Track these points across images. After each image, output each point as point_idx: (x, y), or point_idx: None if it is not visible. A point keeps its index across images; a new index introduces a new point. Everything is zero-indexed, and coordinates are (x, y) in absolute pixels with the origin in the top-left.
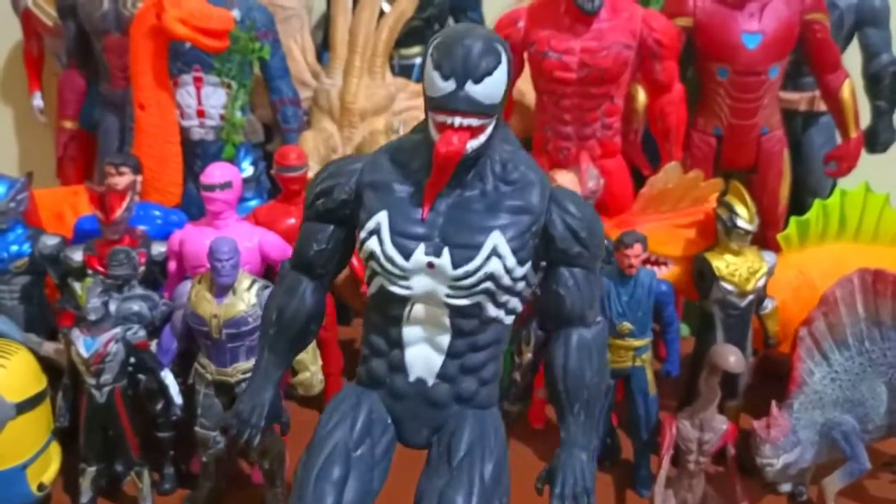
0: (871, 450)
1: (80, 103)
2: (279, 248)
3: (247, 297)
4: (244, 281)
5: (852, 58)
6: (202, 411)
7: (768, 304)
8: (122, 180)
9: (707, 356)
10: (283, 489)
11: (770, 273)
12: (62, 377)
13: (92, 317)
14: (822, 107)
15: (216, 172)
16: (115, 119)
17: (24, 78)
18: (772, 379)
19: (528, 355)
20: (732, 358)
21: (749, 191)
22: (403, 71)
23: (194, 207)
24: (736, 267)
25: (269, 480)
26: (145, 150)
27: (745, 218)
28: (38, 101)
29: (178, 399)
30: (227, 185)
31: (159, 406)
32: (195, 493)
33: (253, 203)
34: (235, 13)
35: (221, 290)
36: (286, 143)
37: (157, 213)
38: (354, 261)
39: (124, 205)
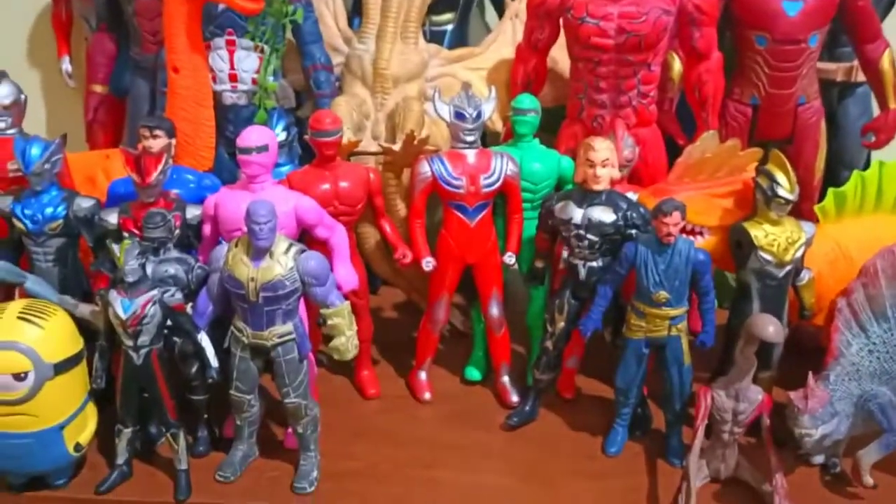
0: None
1: (111, 67)
2: (315, 213)
3: (284, 261)
4: (281, 244)
5: (892, 28)
6: (237, 375)
7: (805, 275)
8: (156, 143)
9: (744, 326)
10: (317, 454)
11: (808, 243)
12: (97, 339)
13: (130, 278)
14: (860, 77)
15: (253, 135)
16: (146, 84)
17: (53, 42)
18: (802, 351)
19: (561, 324)
20: (772, 328)
21: None
22: (434, 37)
23: (225, 172)
24: (775, 237)
25: (303, 445)
26: (178, 114)
27: (786, 187)
28: (66, 65)
29: (214, 362)
30: (263, 149)
31: (194, 369)
32: (229, 458)
33: (285, 169)
34: None
35: (258, 253)
36: (318, 109)
37: (190, 177)
38: (387, 227)
39: (160, 167)
